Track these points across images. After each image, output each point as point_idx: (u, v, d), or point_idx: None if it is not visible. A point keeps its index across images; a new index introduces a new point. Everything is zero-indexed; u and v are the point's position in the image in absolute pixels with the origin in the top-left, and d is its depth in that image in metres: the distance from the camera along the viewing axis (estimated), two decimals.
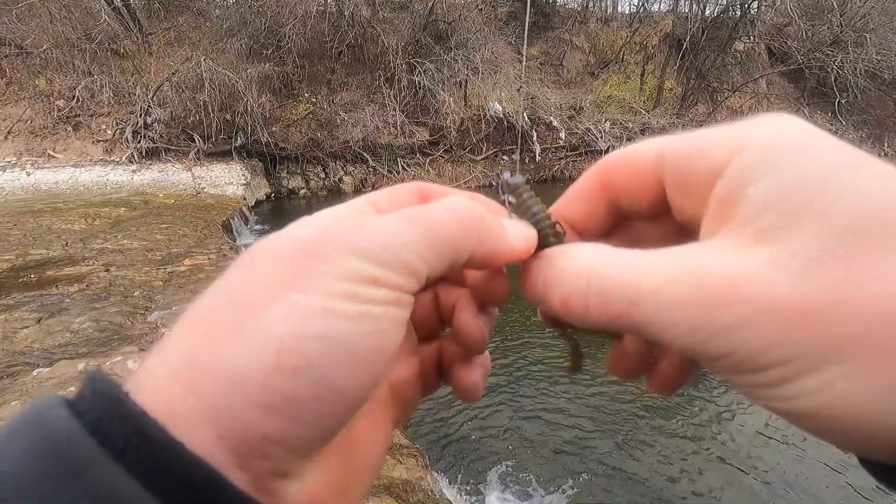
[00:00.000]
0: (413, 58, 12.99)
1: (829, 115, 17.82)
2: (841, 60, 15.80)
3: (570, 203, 0.29)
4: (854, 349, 0.17)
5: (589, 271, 0.23)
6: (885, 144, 19.00)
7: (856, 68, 15.63)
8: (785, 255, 0.18)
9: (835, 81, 16.32)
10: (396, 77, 12.77)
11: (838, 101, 17.03)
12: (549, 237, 0.28)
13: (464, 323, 0.29)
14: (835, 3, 16.11)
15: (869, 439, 0.17)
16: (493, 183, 0.26)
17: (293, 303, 0.20)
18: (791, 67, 16.73)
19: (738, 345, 0.18)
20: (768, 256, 0.18)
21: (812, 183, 0.18)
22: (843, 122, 17.81)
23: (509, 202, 0.30)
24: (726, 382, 0.21)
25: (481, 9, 14.13)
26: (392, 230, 0.22)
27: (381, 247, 0.22)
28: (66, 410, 0.18)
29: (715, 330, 0.19)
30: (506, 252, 0.26)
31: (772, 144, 0.19)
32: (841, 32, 16.16)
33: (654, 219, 0.28)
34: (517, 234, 0.27)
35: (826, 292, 0.17)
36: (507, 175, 0.30)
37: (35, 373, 2.98)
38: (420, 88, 12.80)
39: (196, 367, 0.19)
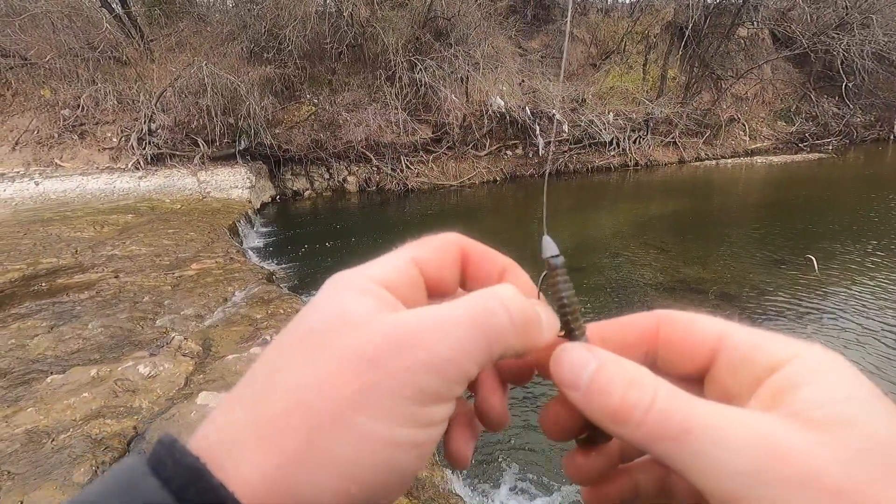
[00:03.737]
0: (413, 55, 12.97)
1: (836, 98, 17.58)
2: (847, 43, 15.57)
3: (618, 331, 0.30)
4: None
5: (656, 387, 0.24)
6: (895, 127, 18.72)
7: (862, 51, 15.40)
8: (833, 444, 0.20)
9: (841, 65, 16.09)
10: (397, 75, 12.75)
11: (845, 85, 16.78)
12: (570, 326, 0.29)
13: (495, 407, 0.30)
14: None
15: None
16: (541, 264, 0.27)
17: (362, 431, 0.22)
18: (796, 52, 16.51)
19: (775, 499, 0.20)
20: (818, 440, 0.20)
21: (847, 399, 0.22)
22: (851, 106, 17.57)
23: (546, 278, 0.30)
24: None
25: (480, 3, 14.07)
26: (458, 342, 0.23)
27: (447, 362, 0.23)
28: (155, 480, 0.21)
29: (757, 480, 0.20)
30: (540, 346, 0.27)
31: (823, 359, 0.23)
32: (846, 14, 15.92)
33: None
34: (550, 326, 0.28)
35: (869, 481, 0.20)
36: (549, 249, 0.29)
37: (49, 380, 3.03)
38: (421, 86, 12.78)
39: (277, 485, 0.21)
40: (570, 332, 0.29)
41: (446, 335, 0.23)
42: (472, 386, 0.31)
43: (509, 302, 0.25)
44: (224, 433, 0.23)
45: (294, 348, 0.24)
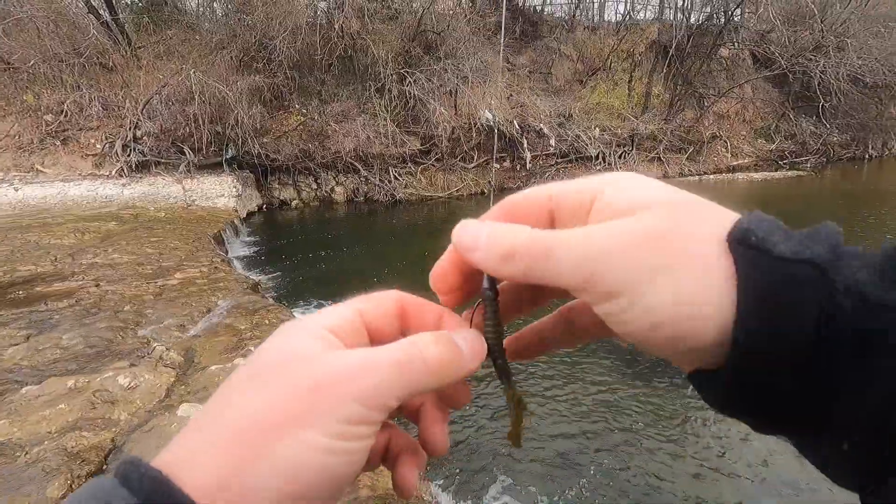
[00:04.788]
0: (403, 68, 13.07)
1: (814, 118, 18.12)
2: (823, 65, 16.10)
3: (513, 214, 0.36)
4: (678, 261, 0.27)
5: (528, 231, 0.31)
6: (870, 147, 19.33)
7: (838, 72, 15.93)
8: (639, 218, 0.28)
9: (818, 86, 16.62)
10: (387, 87, 12.83)
11: (822, 105, 17.33)
12: (493, 351, 0.34)
13: (435, 435, 0.35)
14: (815, 9, 16.45)
15: (685, 342, 0.27)
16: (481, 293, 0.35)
17: (302, 439, 0.27)
18: (775, 72, 17.02)
19: (608, 277, 0.28)
20: (622, 221, 0.28)
21: (640, 195, 0.29)
22: (828, 126, 18.12)
23: (480, 304, 0.35)
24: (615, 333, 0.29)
25: (470, 19, 14.27)
26: (383, 380, 0.29)
27: (374, 395, 0.29)
28: (125, 490, 0.25)
29: (597, 267, 0.28)
30: (465, 375, 0.33)
31: (620, 180, 0.31)
32: (822, 38, 16.48)
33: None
34: (474, 356, 0.33)
35: (666, 228, 0.27)
36: (486, 283, 0.35)
37: (24, 391, 2.94)
38: (411, 98, 12.87)
39: (229, 485, 0.26)
40: (492, 355, 0.34)
41: (372, 375, 0.29)
42: (415, 416, 0.36)
43: (426, 352, 0.31)
44: (182, 451, 0.27)
45: (247, 380, 0.29)
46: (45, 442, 2.48)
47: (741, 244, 0.26)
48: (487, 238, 0.32)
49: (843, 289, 0.23)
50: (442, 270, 0.36)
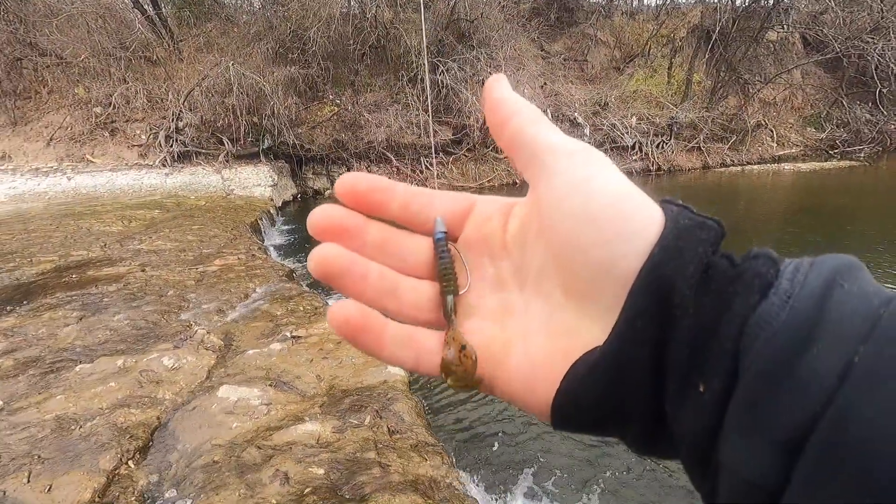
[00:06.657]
0: (436, 57, 13.02)
1: (870, 105, 17.03)
2: (882, 48, 15.09)
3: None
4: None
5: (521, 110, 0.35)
6: None
7: None
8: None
9: (875, 70, 15.60)
10: (419, 77, 12.82)
11: (879, 91, 16.26)
12: (444, 285, 0.37)
13: None
14: None
15: None
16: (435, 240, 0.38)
17: None
18: (828, 56, 16.06)
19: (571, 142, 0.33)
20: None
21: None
22: (885, 113, 17.00)
23: (438, 242, 0.37)
24: None
25: (503, 6, 14.05)
26: None
27: None
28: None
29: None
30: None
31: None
32: (881, 18, 15.43)
33: None
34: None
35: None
36: (437, 227, 0.38)
37: (77, 368, 3.12)
38: (443, 87, 12.82)
39: None
40: (443, 289, 0.37)
41: None
42: None
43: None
44: None
45: None
46: (97, 417, 2.64)
47: (667, 203, 0.31)
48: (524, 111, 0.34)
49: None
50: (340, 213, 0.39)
